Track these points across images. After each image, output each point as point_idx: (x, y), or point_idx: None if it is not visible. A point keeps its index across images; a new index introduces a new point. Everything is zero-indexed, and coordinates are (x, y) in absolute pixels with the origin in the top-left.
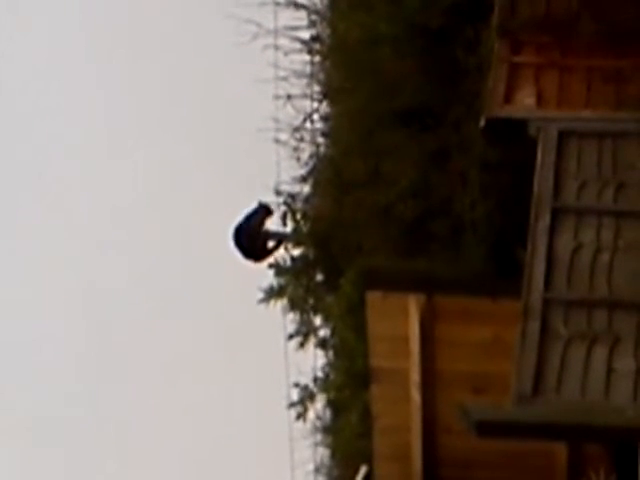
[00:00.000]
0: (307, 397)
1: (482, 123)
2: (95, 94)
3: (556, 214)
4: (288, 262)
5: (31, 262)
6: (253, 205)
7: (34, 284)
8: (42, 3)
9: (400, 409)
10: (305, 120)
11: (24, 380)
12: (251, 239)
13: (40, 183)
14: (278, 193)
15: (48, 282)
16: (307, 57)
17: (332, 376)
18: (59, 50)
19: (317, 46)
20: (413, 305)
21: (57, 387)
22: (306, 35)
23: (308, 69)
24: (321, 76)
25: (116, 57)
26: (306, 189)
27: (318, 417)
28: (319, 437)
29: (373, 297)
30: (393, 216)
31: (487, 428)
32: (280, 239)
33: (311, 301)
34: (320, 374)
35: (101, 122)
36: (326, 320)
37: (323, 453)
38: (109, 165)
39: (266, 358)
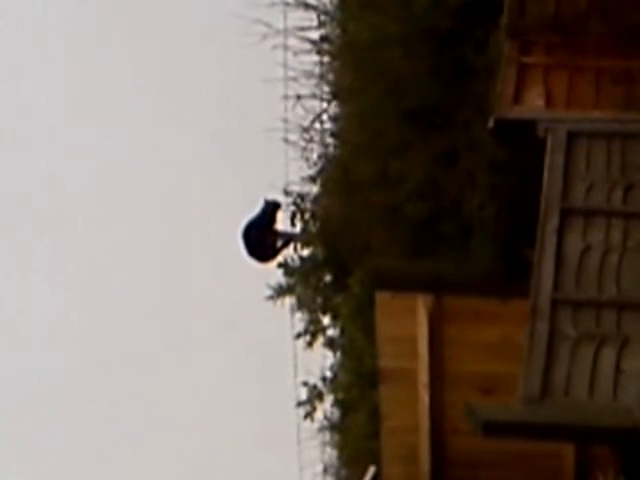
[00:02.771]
0: (315, 396)
1: (491, 124)
2: (104, 94)
3: (565, 215)
4: (297, 262)
5: (41, 257)
6: (259, 204)
7: (38, 280)
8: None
9: (408, 410)
10: (314, 120)
11: (22, 377)
12: (261, 237)
13: (47, 182)
14: (287, 193)
15: (50, 279)
16: (316, 57)
17: (340, 376)
18: (68, 48)
19: (326, 46)
20: (421, 305)
21: (58, 385)
22: (315, 35)
23: (317, 69)
24: (330, 76)
25: (124, 57)
26: (315, 189)
27: (326, 417)
28: (327, 437)
29: (382, 297)
30: (402, 216)
31: (494, 429)
32: (288, 239)
33: (320, 301)
34: (328, 374)
35: (110, 122)
36: (334, 320)
37: (331, 453)
38: (116, 165)
39: (275, 357)
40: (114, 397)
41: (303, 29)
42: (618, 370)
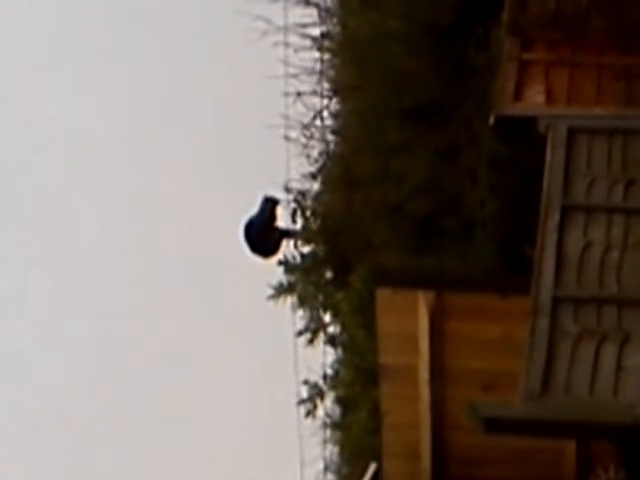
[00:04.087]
0: (316, 394)
1: (492, 120)
2: (104, 92)
3: (566, 212)
4: (298, 259)
5: (40, 263)
6: (258, 201)
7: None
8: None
9: (409, 406)
10: (315, 117)
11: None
12: (262, 233)
13: (46, 189)
14: (288, 190)
15: (51, 277)
16: (317, 54)
17: (341, 373)
18: (63, 49)
19: (327, 43)
20: (422, 302)
21: (59, 383)
22: (316, 32)
23: (318, 66)
24: (331, 73)
25: (124, 54)
26: (316, 186)
27: (327, 414)
28: (328, 434)
29: (383, 294)
30: (403, 213)
31: (496, 425)
32: (284, 233)
33: (321, 298)
34: (329, 371)
35: (110, 119)
36: (335, 317)
37: (332, 450)
38: (116, 161)
39: (276, 355)
40: (116, 396)
41: (304, 26)
42: (619, 367)
